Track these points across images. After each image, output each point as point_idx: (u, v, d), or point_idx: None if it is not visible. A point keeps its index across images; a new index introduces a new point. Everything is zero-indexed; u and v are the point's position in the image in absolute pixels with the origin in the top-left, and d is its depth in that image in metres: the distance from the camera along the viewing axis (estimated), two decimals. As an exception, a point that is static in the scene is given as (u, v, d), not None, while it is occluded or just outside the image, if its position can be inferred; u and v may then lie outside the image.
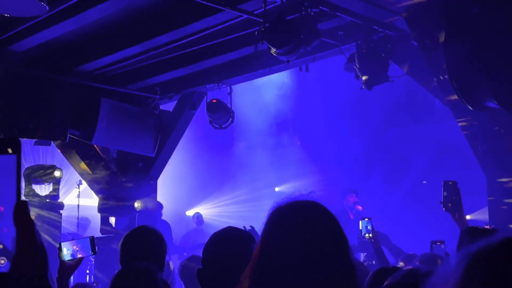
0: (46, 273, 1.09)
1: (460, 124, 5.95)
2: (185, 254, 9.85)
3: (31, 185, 9.02)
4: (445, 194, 4.08)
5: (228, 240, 2.45)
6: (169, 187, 11.91)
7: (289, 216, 1.73)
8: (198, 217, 11.99)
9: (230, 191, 13.70)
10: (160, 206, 10.73)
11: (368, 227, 5.24)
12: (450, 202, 4.05)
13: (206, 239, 2.52)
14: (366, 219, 5.35)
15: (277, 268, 1.63)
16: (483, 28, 4.80)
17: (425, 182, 10.84)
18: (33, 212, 8.34)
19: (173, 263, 5.06)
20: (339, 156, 12.12)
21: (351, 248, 1.73)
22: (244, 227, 4.53)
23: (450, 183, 4.10)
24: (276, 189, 13.76)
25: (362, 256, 7.37)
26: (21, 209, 1.07)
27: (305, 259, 1.62)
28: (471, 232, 3.29)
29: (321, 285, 1.61)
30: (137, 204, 8.97)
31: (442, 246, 4.62)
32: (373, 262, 6.31)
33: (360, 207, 9.17)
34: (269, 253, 1.68)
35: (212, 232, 2.57)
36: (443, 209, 4.09)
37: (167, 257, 3.37)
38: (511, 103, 4.74)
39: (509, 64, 4.66)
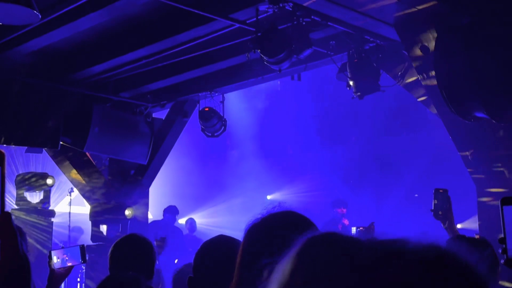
0: (29, 285, 1.09)
1: (451, 135, 5.98)
2: (176, 261, 9.82)
3: (23, 192, 8.98)
4: (436, 202, 4.08)
5: (220, 248, 2.45)
6: (161, 195, 11.89)
7: (263, 230, 1.70)
8: (191, 223, 11.88)
9: (222, 199, 13.68)
10: (175, 211, 10.72)
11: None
12: (440, 210, 4.05)
13: (198, 245, 2.51)
14: (361, 228, 5.37)
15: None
16: (473, 38, 4.85)
17: (416, 195, 10.86)
18: (25, 228, 8.30)
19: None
20: (331, 164, 12.14)
21: None
22: None
23: (441, 191, 4.10)
24: (268, 197, 13.76)
25: None
26: (5, 220, 1.08)
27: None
28: (457, 241, 3.30)
29: None
30: (127, 212, 8.93)
31: None
32: None
33: (347, 221, 9.15)
34: (248, 270, 1.67)
35: (205, 238, 2.56)
36: (434, 217, 4.09)
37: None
38: (500, 113, 4.77)
39: (499, 75, 4.70)
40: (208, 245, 2.48)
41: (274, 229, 1.68)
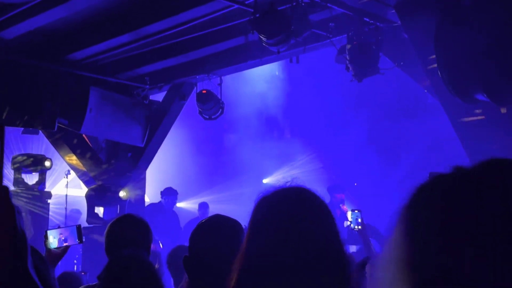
0: (26, 261, 1.06)
1: (451, 119, 5.94)
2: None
3: (20, 174, 8.91)
4: None
5: (215, 228, 2.43)
6: (157, 178, 11.85)
7: (276, 205, 1.70)
8: (205, 207, 11.35)
9: (218, 183, 13.65)
10: (174, 193, 10.42)
11: (358, 219, 5.24)
12: None
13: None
14: (356, 211, 5.35)
15: (266, 260, 1.61)
16: (474, 21, 4.80)
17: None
18: (21, 202, 8.27)
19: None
20: (329, 148, 12.13)
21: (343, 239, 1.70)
22: None
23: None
24: (264, 180, 13.75)
25: (354, 249, 7.37)
26: (2, 195, 1.04)
27: (294, 248, 1.59)
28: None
29: (313, 276, 1.58)
30: (123, 193, 8.85)
31: None
32: None
33: (345, 208, 9.12)
34: (256, 245, 1.65)
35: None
36: None
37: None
38: (500, 96, 4.74)
39: (499, 57, 4.66)
40: (204, 224, 2.46)
41: (281, 204, 1.69)
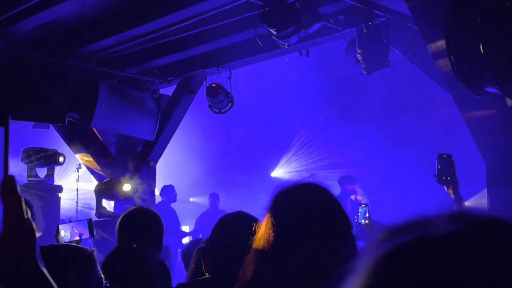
0: (33, 252, 1.04)
1: (461, 112, 5.89)
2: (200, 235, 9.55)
3: (34, 167, 8.91)
4: (439, 167, 4.01)
5: (239, 222, 2.47)
6: (168, 172, 11.87)
7: (293, 199, 1.79)
8: (212, 196, 11.26)
9: (227, 177, 13.64)
10: (172, 191, 10.42)
11: (367, 214, 5.22)
12: (444, 175, 3.99)
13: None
14: (363, 205, 5.34)
15: (283, 253, 1.68)
16: (485, 11, 4.75)
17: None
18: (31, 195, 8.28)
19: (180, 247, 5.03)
20: (338, 141, 12.10)
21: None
22: None
23: (445, 156, 4.03)
24: (272, 174, 13.76)
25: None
26: (8, 184, 1.02)
27: (311, 242, 1.69)
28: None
29: (328, 267, 1.64)
30: (127, 187, 8.58)
31: None
32: None
33: (359, 197, 9.07)
34: (274, 238, 1.73)
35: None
36: (437, 182, 4.04)
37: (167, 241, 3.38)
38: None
39: (510, 48, 4.61)
40: (228, 219, 2.54)
41: (304, 195, 1.80)
